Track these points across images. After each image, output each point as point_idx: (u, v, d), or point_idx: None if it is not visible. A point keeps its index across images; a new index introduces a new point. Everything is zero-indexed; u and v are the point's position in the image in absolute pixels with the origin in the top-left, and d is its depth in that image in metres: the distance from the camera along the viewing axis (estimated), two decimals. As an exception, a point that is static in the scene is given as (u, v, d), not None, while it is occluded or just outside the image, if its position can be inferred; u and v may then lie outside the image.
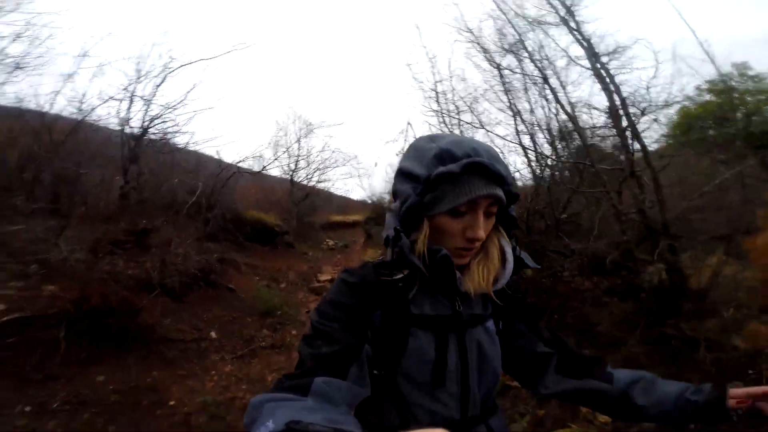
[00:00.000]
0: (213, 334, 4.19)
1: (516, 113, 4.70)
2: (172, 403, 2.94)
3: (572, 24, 3.43)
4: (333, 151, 11.28)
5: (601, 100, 3.65)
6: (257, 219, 7.95)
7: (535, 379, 0.84)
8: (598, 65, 3.26)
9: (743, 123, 5.49)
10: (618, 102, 3.07)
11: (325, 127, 12.42)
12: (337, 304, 0.70)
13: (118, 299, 3.24)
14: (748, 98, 5.66)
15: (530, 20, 3.97)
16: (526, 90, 4.55)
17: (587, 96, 3.62)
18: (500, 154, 0.74)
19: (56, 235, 4.19)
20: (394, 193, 0.76)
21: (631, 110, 3.09)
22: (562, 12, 3.50)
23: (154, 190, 6.97)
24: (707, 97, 5.90)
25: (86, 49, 6.14)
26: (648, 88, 3.03)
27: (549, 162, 4.12)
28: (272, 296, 5.68)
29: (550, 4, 3.64)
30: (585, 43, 3.34)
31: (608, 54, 3.26)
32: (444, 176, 0.66)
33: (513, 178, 0.74)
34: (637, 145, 3.24)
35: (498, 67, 4.51)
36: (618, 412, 0.81)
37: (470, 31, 4.76)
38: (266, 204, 9.38)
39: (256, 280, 6.67)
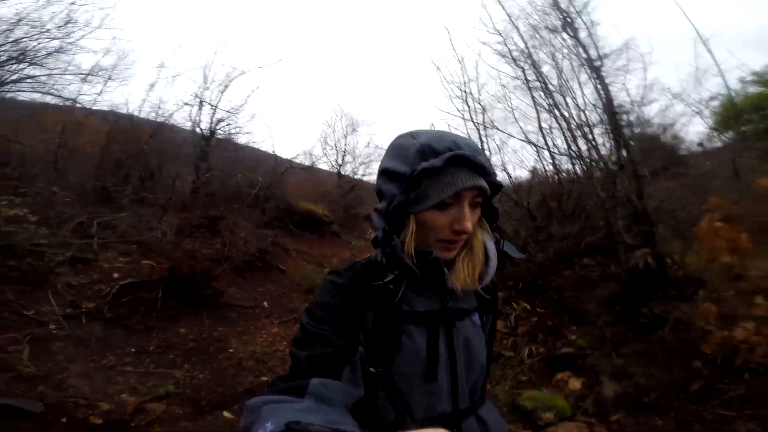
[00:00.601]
0: (266, 304, 5.20)
1: (540, 111, 5.07)
2: (231, 350, 3.92)
3: (570, 31, 3.79)
4: (376, 147, 12.19)
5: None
6: (307, 209, 8.98)
7: None
8: (592, 68, 3.61)
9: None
10: (605, 101, 3.42)
11: (367, 126, 13.43)
12: (327, 307, 0.72)
13: (201, 268, 4.33)
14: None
15: (536, 27, 4.36)
16: (546, 89, 4.90)
17: (588, 96, 3.91)
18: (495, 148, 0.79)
19: (157, 220, 5.46)
20: (379, 194, 0.78)
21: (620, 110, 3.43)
22: (562, 19, 3.87)
23: (220, 184, 8.28)
24: (753, 89, 5.77)
25: (163, 60, 7.53)
26: (627, 89, 3.34)
27: (550, 157, 4.50)
28: (316, 277, 6.64)
29: (554, 11, 4.03)
30: (582, 49, 3.70)
31: (601, 58, 3.59)
32: (427, 171, 0.68)
33: (494, 169, 0.77)
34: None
35: (523, 70, 4.91)
36: None
37: (499, 32, 5.15)
38: (316, 196, 10.44)
39: (304, 264, 7.67)
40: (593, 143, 4.02)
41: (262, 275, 6.10)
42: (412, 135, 0.75)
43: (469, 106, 5.98)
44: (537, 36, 4.60)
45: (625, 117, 3.53)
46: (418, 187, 0.70)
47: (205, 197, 7.88)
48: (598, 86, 3.69)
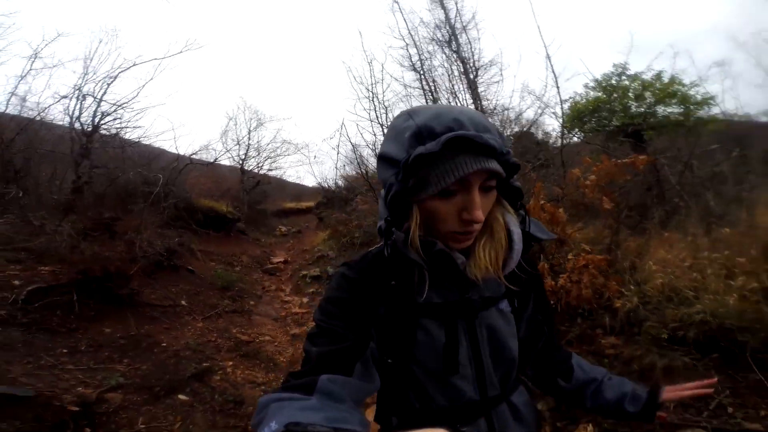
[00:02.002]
0: (183, 302, 5.71)
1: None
2: (164, 344, 4.48)
3: (454, 44, 5.19)
4: (283, 141, 12.84)
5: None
6: (209, 207, 9.29)
7: (523, 354, 0.92)
8: (467, 78, 5.05)
9: (622, 114, 7.68)
10: (477, 106, 4.88)
11: (276, 121, 14.09)
12: (338, 301, 0.76)
13: (115, 267, 4.72)
14: (630, 93, 7.82)
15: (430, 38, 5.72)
16: (433, 94, 6.31)
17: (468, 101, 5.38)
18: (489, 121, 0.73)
19: (54, 224, 5.54)
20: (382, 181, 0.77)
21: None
22: (448, 34, 5.26)
23: (108, 183, 8.18)
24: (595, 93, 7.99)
25: (37, 50, 7.24)
26: (497, 93, 4.84)
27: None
28: (229, 275, 7.22)
29: (441, 27, 5.41)
30: (460, 61, 5.13)
31: (475, 70, 5.05)
32: (424, 157, 0.66)
33: (508, 146, 0.73)
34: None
35: (420, 75, 6.24)
36: (568, 402, 0.99)
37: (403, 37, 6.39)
38: (218, 192, 10.71)
39: (212, 264, 8.12)
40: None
41: (172, 276, 6.51)
42: (410, 114, 0.73)
43: (375, 106, 7.18)
44: (433, 45, 5.97)
45: (493, 119, 5.04)
46: (416, 174, 0.69)
47: (90, 198, 7.76)
48: (473, 93, 5.15)
